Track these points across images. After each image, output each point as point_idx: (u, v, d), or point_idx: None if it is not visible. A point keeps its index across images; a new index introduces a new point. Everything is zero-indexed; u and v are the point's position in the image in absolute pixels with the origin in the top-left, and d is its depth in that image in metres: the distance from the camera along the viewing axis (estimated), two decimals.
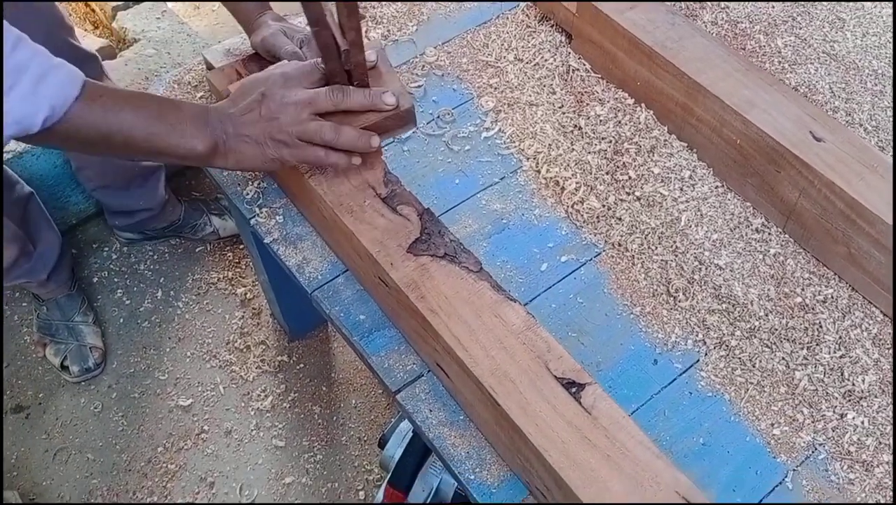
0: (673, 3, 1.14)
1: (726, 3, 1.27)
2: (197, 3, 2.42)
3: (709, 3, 1.26)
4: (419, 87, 1.19)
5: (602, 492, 0.71)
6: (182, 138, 0.84)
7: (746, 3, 1.27)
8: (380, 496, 1.45)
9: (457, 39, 1.25)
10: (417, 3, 1.30)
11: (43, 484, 1.58)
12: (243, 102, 0.87)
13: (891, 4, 1.28)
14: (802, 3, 1.28)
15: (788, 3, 1.28)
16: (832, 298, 0.93)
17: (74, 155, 1.68)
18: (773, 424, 0.85)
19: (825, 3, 1.28)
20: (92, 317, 1.78)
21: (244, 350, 1.79)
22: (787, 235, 0.99)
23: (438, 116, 1.16)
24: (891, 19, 1.27)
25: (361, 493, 1.58)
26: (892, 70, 1.18)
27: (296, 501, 1.58)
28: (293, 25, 1.09)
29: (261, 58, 1.10)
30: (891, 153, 1.07)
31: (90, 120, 0.80)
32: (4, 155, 1.67)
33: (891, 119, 1.12)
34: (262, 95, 0.86)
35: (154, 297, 1.87)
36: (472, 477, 0.82)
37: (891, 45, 1.23)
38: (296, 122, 0.86)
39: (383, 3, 1.28)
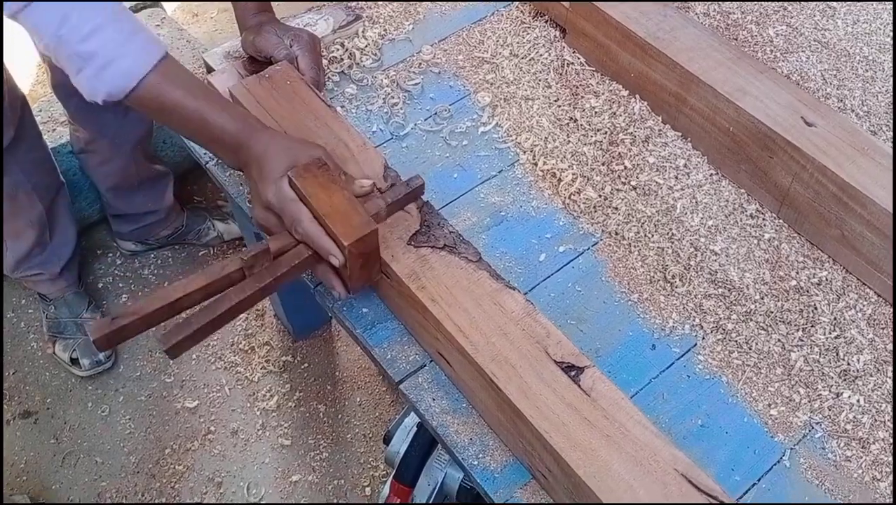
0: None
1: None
2: (195, 11, 2.44)
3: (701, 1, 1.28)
4: (416, 84, 1.21)
5: (602, 471, 0.72)
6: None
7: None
8: (385, 491, 1.46)
9: (452, 37, 1.27)
10: (413, 2, 1.32)
11: (52, 488, 1.60)
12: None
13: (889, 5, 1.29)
14: None
15: None
16: (826, 280, 0.95)
17: (94, 153, 1.71)
18: (770, 405, 0.86)
19: None
20: (99, 315, 1.80)
21: (249, 351, 1.81)
22: (780, 220, 1.01)
23: (436, 113, 1.17)
24: (884, 11, 1.28)
25: (367, 489, 1.60)
26: (881, 56, 1.20)
27: (302, 501, 1.59)
28: (283, 25, 1.11)
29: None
30: (883, 138, 1.09)
31: (156, 95, 0.87)
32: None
33: (882, 104, 1.13)
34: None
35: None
36: (476, 463, 0.83)
37: (880, 32, 1.24)
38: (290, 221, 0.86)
39: (379, 3, 1.30)
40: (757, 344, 0.90)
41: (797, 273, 0.95)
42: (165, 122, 0.92)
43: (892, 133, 1.09)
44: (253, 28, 1.10)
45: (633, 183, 1.05)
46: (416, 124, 1.16)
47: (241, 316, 1.87)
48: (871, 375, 0.87)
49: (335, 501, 1.60)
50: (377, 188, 0.91)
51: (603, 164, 1.08)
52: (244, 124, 0.89)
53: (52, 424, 1.68)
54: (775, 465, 0.82)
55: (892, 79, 1.17)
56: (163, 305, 0.80)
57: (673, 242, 0.99)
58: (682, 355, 0.91)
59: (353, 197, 0.84)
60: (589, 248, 1.01)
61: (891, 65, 1.19)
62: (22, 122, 1.50)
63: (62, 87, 1.55)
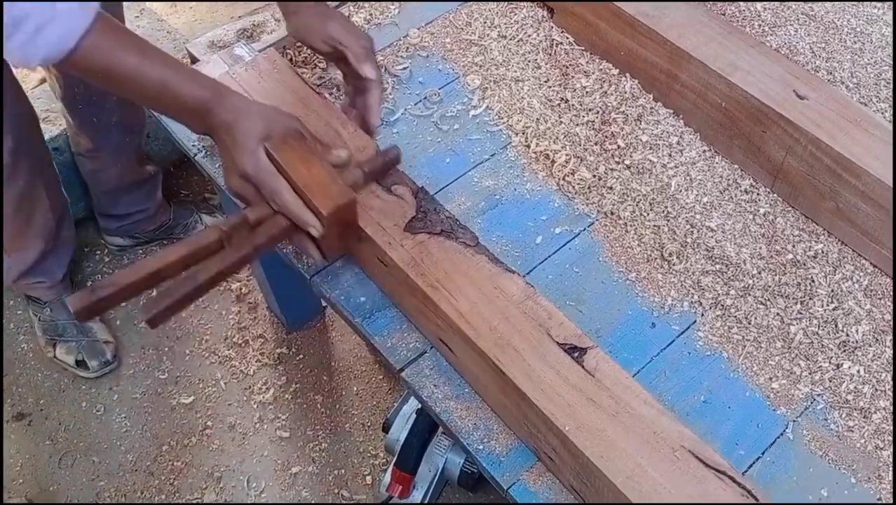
0: None
1: None
2: (173, 1, 2.41)
3: None
4: (405, 69, 1.19)
5: (610, 451, 0.72)
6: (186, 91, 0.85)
7: None
8: (387, 479, 1.46)
9: (439, 20, 1.26)
10: None
11: (50, 490, 1.59)
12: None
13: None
14: None
15: None
16: (823, 252, 0.95)
17: (92, 160, 1.70)
18: (771, 378, 0.86)
19: None
20: None
21: (243, 345, 1.80)
22: (775, 195, 1.01)
23: (425, 97, 1.16)
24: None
25: (368, 477, 1.60)
26: (869, 27, 1.20)
27: (303, 493, 1.59)
28: (335, 16, 1.04)
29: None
30: (874, 109, 1.09)
31: (99, 55, 0.81)
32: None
33: (871, 76, 1.13)
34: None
35: (149, 297, 1.87)
36: (481, 447, 0.83)
37: (867, 3, 1.24)
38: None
39: None
40: (756, 318, 0.90)
41: (793, 247, 0.95)
42: (114, 88, 0.86)
43: (883, 105, 1.09)
44: (300, 13, 1.03)
45: (626, 162, 1.05)
46: (406, 109, 1.15)
47: (234, 309, 1.86)
48: (870, 346, 0.87)
49: (336, 492, 1.59)
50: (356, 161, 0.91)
51: (596, 144, 1.07)
52: (211, 89, 0.85)
53: (46, 426, 1.67)
54: (778, 437, 0.82)
55: (879, 50, 1.17)
56: (142, 276, 0.80)
57: (669, 220, 0.99)
58: (682, 332, 0.91)
59: (331, 168, 0.85)
60: (585, 229, 1.01)
61: (879, 36, 1.19)
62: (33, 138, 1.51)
63: (70, 99, 1.56)
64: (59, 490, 1.59)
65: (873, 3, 1.25)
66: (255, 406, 1.70)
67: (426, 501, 1.45)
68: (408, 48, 1.22)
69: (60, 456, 1.63)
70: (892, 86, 1.11)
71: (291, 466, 1.62)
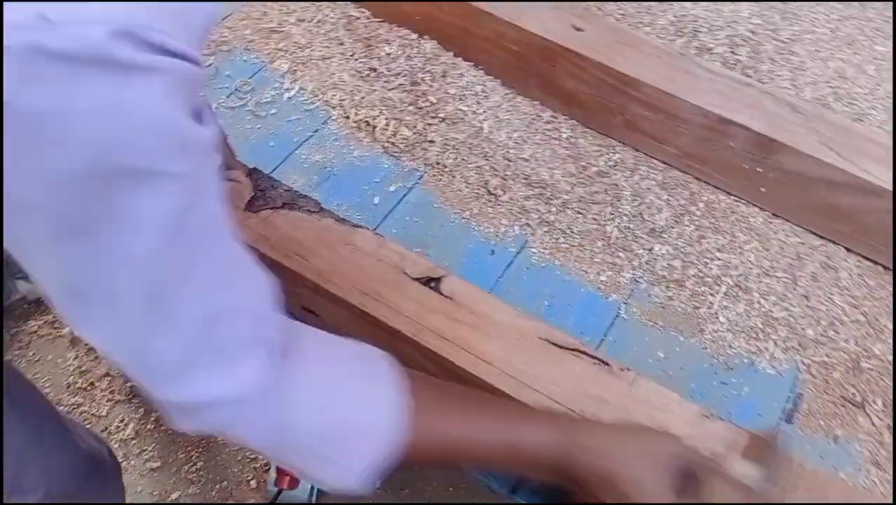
0: None
1: None
2: None
3: None
4: (209, 66, 1.20)
5: (479, 357, 0.80)
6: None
7: None
8: (272, 475, 1.47)
9: (234, 14, 1.28)
10: None
11: None
12: None
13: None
14: None
15: None
16: (621, 160, 1.09)
17: None
18: (599, 273, 0.98)
19: None
20: None
21: (88, 388, 1.71)
22: (573, 120, 1.14)
23: (236, 89, 1.18)
24: None
25: (252, 482, 1.58)
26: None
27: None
28: None
29: None
30: (644, 32, 1.25)
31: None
32: None
33: (633, 5, 1.29)
34: None
35: None
36: None
37: None
38: None
39: None
40: (577, 227, 1.02)
41: (595, 160, 1.09)
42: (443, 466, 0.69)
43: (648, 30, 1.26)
44: None
45: (441, 115, 1.13)
46: (218, 104, 1.16)
47: (70, 355, 1.76)
48: (673, 227, 1.02)
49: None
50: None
51: (411, 105, 1.15)
52: (560, 434, 0.67)
53: None
54: (615, 319, 0.94)
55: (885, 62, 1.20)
56: None
57: (488, 160, 1.09)
58: (518, 252, 1.01)
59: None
60: (417, 182, 1.08)
61: None
62: None
63: None
64: None
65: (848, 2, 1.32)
66: (117, 445, 1.62)
67: (317, 487, 1.47)
68: (209, 45, 1.23)
69: None
70: (892, 87, 1.17)
71: (170, 493, 1.57)
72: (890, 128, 1.11)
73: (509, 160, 1.09)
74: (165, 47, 0.44)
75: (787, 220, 1.03)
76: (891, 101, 1.15)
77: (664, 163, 1.09)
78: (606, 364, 0.79)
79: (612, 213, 1.03)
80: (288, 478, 1.41)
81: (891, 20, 1.31)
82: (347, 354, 0.65)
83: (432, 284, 0.86)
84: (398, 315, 0.83)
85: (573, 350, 0.80)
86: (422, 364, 0.84)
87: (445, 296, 0.85)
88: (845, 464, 0.84)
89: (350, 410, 0.61)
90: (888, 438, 0.86)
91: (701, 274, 0.98)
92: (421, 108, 1.14)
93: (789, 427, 0.86)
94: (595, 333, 0.93)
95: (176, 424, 0.58)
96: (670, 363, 0.90)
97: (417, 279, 0.87)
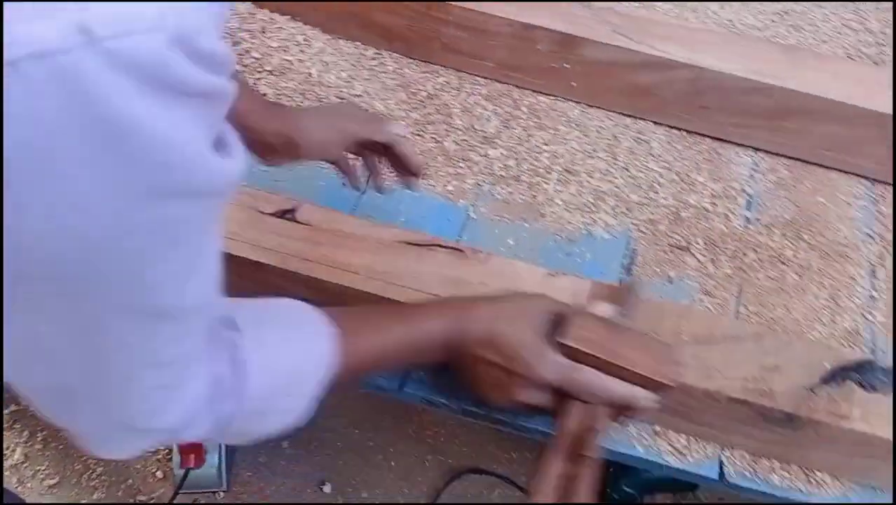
0: None
1: None
2: None
3: None
4: None
5: (345, 271, 0.85)
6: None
7: None
8: (176, 458, 1.47)
9: None
10: None
11: None
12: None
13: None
14: None
15: None
16: (446, 82, 1.17)
17: None
18: (445, 185, 1.06)
19: None
20: None
21: None
22: (396, 53, 1.20)
23: None
24: None
25: (158, 473, 1.57)
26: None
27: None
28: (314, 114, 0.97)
29: None
30: None
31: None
32: None
33: None
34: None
35: None
36: None
37: None
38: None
39: None
40: (418, 147, 1.09)
41: (423, 85, 1.16)
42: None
43: None
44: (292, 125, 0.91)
45: (268, 68, 1.16)
46: None
47: None
48: (503, 132, 1.11)
49: (133, 502, 1.55)
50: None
51: (237, 64, 1.17)
52: (449, 316, 0.74)
53: None
54: (466, 221, 1.02)
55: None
56: None
57: (322, 101, 1.13)
58: (368, 179, 1.06)
59: (640, 333, 0.76)
60: None
61: None
62: None
63: None
64: None
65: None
66: (9, 473, 1.56)
67: (224, 459, 1.49)
68: None
69: None
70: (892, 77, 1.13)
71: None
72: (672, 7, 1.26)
73: (344, 98, 1.14)
74: (214, 57, 0.40)
75: (600, 108, 1.15)
76: None
77: (485, 77, 1.17)
78: (461, 251, 0.87)
79: (447, 130, 1.11)
80: (192, 456, 1.41)
81: None
82: (272, 309, 0.70)
83: (289, 216, 0.90)
84: (258, 250, 0.87)
85: (429, 245, 0.87)
86: (292, 290, 0.88)
87: (304, 223, 0.90)
88: (683, 298, 0.96)
89: (292, 359, 0.66)
90: (713, 270, 0.99)
91: (533, 167, 1.08)
92: (247, 64, 1.17)
93: (630, 278, 0.97)
94: (450, 235, 1.00)
95: (108, 452, 0.57)
96: (520, 248, 1.00)
97: (273, 214, 0.91)
